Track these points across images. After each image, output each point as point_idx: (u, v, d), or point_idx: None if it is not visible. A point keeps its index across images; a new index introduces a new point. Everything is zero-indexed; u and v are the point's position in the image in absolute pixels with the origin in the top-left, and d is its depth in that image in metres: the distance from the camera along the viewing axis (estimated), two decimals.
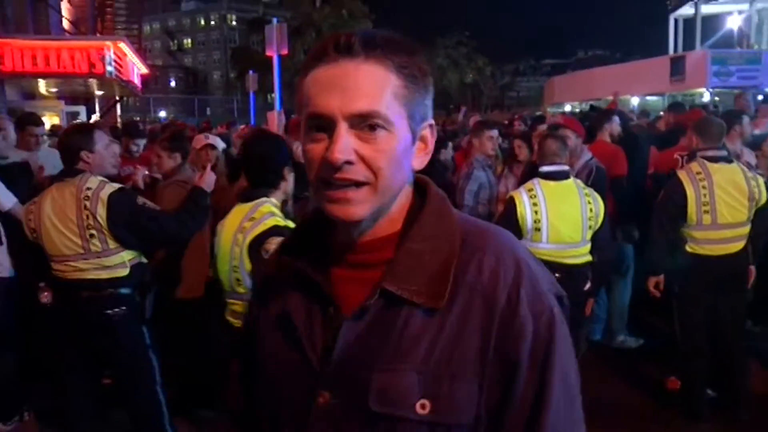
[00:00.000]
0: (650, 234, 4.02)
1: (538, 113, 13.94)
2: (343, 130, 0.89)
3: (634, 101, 19.99)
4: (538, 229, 3.60)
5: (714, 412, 3.94)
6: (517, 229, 3.56)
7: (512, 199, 3.67)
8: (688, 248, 3.88)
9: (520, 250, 0.97)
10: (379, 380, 0.92)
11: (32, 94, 13.15)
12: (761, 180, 3.95)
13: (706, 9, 21.36)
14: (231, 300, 2.73)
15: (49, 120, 10.56)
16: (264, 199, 2.65)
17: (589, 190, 3.73)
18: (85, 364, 3.33)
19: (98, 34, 16.74)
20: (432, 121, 1.00)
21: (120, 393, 3.35)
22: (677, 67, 18.13)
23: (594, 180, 4.33)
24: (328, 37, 0.93)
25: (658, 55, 21.83)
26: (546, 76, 42.83)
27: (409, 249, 0.94)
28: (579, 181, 3.86)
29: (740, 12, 21.56)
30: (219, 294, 3.80)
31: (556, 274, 3.36)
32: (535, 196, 3.61)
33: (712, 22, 23.03)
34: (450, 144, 6.42)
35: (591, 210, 3.65)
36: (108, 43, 10.93)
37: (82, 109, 14.06)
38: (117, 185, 3.17)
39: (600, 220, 3.69)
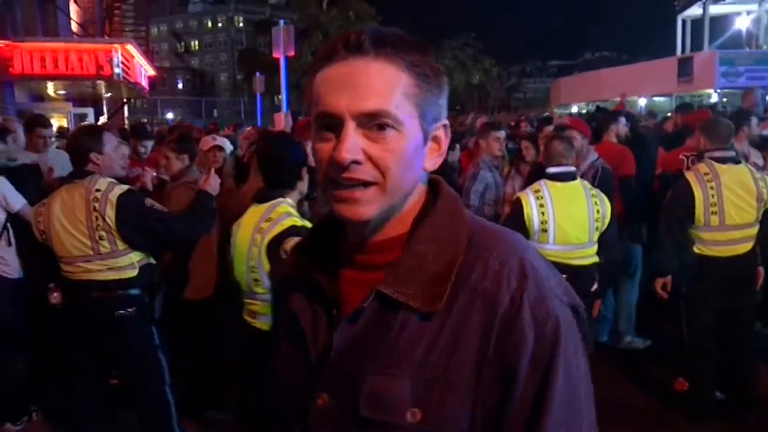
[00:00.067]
0: (658, 235, 4.01)
1: (545, 114, 13.92)
2: (351, 129, 0.87)
3: (642, 102, 19.92)
4: (545, 230, 3.60)
5: (722, 414, 3.92)
6: (524, 230, 3.56)
7: (519, 200, 3.67)
8: (695, 249, 3.87)
9: (528, 254, 0.93)
10: (372, 384, 0.91)
11: (41, 96, 13.24)
12: None
13: (714, 9, 21.25)
14: (249, 300, 2.73)
15: (58, 122, 10.63)
16: (280, 199, 2.66)
17: (596, 191, 3.73)
18: (95, 365, 3.35)
19: (106, 37, 16.84)
20: (446, 122, 0.97)
21: (129, 393, 3.37)
22: (685, 68, 18.06)
23: (600, 180, 4.32)
24: (339, 35, 0.92)
25: (666, 56, 21.75)
26: (553, 78, 42.77)
27: (413, 250, 0.92)
28: (586, 182, 3.85)
29: (749, 12, 21.45)
30: (229, 295, 3.83)
31: (563, 275, 3.36)
32: (542, 198, 3.61)
33: (720, 22, 22.92)
34: (458, 145, 6.42)
35: (598, 211, 3.64)
36: (116, 45, 11.01)
37: (89, 111, 14.15)
38: (126, 186, 3.19)
39: (607, 221, 3.69)
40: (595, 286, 3.71)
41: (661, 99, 20.23)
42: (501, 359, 0.86)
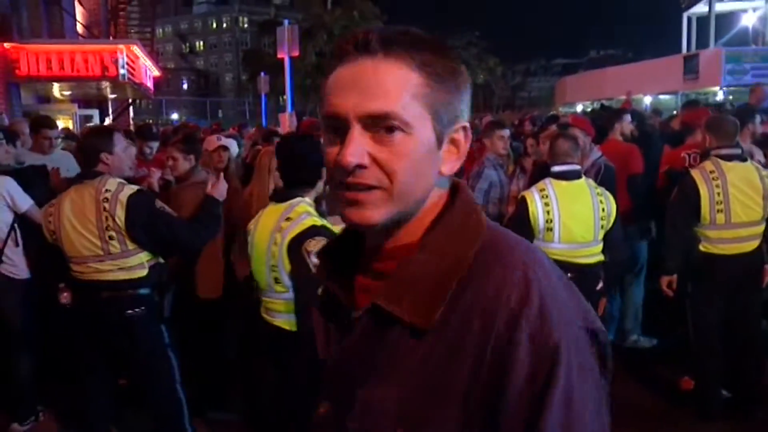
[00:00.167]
0: (663, 233, 4.00)
1: (552, 113, 13.89)
2: (356, 132, 0.84)
3: (647, 100, 19.86)
4: (550, 229, 3.60)
5: (728, 413, 3.91)
6: (529, 229, 3.56)
7: (524, 198, 3.67)
8: (701, 247, 3.86)
9: (536, 271, 0.85)
10: (361, 397, 0.89)
11: (47, 98, 13.30)
12: None
13: (720, 7, 21.15)
14: (268, 298, 2.73)
15: (63, 123, 10.67)
16: (299, 199, 2.66)
17: (601, 190, 3.72)
18: (105, 365, 3.37)
19: (111, 38, 16.89)
20: (465, 123, 0.92)
21: (140, 393, 3.38)
22: (691, 65, 18.00)
23: (603, 178, 4.31)
24: (349, 34, 0.90)
25: (672, 53, 21.69)
26: (557, 76, 42.67)
27: (414, 261, 0.88)
28: (591, 180, 3.85)
29: (755, 9, 21.36)
30: (234, 295, 3.84)
31: (569, 274, 3.36)
32: (547, 196, 3.61)
33: (726, 19, 22.84)
34: None
35: (603, 209, 3.64)
36: (121, 46, 11.04)
37: (95, 112, 14.21)
38: (136, 187, 3.21)
39: (612, 219, 3.68)
40: (600, 285, 3.70)
41: (667, 97, 20.18)
42: (492, 383, 0.80)
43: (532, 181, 4.12)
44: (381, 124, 0.84)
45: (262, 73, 18.66)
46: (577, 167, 3.73)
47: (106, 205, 3.04)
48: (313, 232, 2.51)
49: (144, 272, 3.16)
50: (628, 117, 5.42)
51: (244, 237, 3.50)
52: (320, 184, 2.78)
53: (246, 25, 70.66)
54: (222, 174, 3.70)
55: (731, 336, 3.92)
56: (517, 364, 0.79)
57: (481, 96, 49.65)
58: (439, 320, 0.84)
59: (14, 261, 3.93)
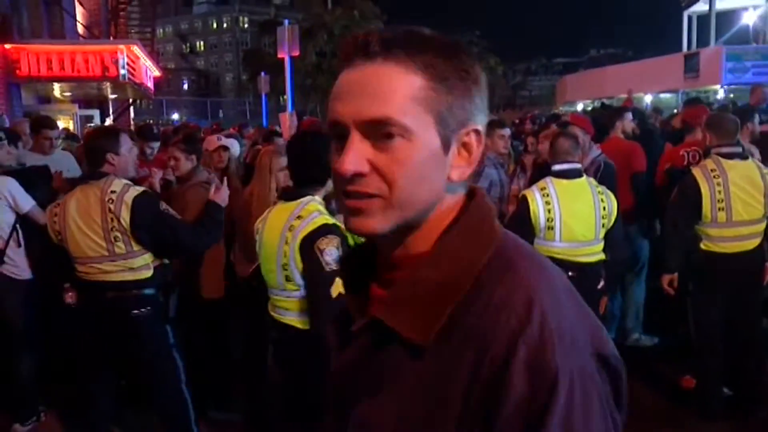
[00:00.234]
0: (665, 231, 4.00)
1: (553, 112, 13.89)
2: (356, 139, 0.81)
3: (648, 99, 19.84)
4: (551, 228, 3.60)
5: (729, 411, 3.91)
6: (530, 228, 3.57)
7: (525, 197, 3.67)
8: (702, 246, 3.86)
9: (543, 292, 0.79)
10: (357, 414, 0.87)
11: (47, 98, 13.31)
12: None
13: (720, 5, 21.11)
14: (278, 296, 2.72)
15: (64, 123, 10.69)
16: (309, 197, 2.65)
17: (602, 188, 3.73)
18: (109, 365, 3.38)
19: (112, 38, 16.90)
20: (477, 126, 0.87)
21: (141, 393, 3.38)
22: (691, 64, 17.97)
23: (602, 176, 4.31)
24: (351, 36, 0.86)
25: (672, 52, 21.66)
26: (558, 75, 42.69)
27: (417, 274, 0.84)
28: (592, 179, 3.85)
29: (755, 7, 21.31)
30: (235, 295, 3.84)
31: (570, 273, 3.35)
32: (547, 195, 3.61)
33: (726, 18, 22.79)
34: None
35: (604, 208, 3.64)
36: (121, 46, 11.05)
37: (95, 113, 14.23)
38: (141, 188, 3.22)
39: (613, 218, 3.68)
40: (601, 284, 3.70)
41: (668, 95, 20.15)
42: (485, 406, 0.75)
43: (533, 181, 4.12)
44: (380, 131, 0.81)
45: (263, 73, 18.64)
46: (578, 166, 3.74)
47: (112, 206, 3.04)
48: (325, 230, 2.50)
49: (149, 273, 3.17)
50: (629, 115, 5.42)
51: (244, 237, 3.50)
52: (330, 183, 2.78)
53: (246, 25, 70.69)
54: (225, 179, 3.71)
55: (732, 334, 3.92)
56: (510, 389, 0.74)
57: None
58: (438, 336, 0.80)
59: (16, 261, 3.94)
